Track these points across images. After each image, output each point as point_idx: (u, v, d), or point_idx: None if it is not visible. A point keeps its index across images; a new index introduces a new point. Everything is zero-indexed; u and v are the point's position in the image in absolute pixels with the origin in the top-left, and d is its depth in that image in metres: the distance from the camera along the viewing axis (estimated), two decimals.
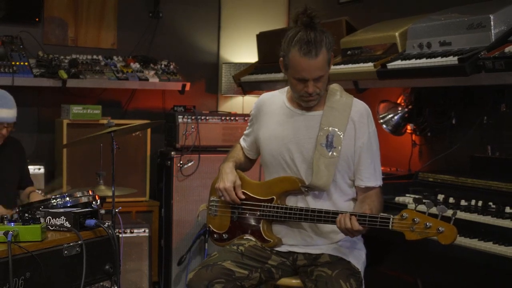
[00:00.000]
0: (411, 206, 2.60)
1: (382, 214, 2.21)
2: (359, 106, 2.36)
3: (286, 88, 2.43)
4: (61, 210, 2.40)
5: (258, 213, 2.38)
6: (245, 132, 2.59)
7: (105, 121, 3.43)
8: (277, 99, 2.44)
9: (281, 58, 2.30)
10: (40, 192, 3.21)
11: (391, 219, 2.10)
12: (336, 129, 2.30)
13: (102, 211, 2.57)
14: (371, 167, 2.33)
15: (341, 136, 2.30)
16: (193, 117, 3.96)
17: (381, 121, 3.35)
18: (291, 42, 2.23)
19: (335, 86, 2.40)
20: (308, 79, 2.24)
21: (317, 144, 2.30)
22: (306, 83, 2.25)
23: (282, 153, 2.36)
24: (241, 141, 2.60)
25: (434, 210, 2.08)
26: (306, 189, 2.32)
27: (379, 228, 2.13)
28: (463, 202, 2.65)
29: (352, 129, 2.32)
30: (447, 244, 2.04)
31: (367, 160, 2.33)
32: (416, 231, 2.06)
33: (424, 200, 2.15)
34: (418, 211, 2.09)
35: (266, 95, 2.51)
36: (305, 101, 2.32)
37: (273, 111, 2.42)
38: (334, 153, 2.29)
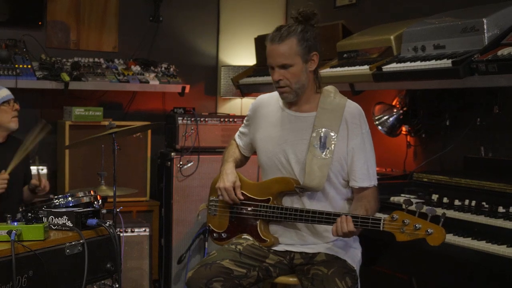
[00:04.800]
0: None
1: (373, 215, 2.23)
2: (352, 107, 2.37)
3: None
4: (63, 209, 2.42)
5: (255, 213, 2.40)
6: (241, 130, 2.61)
7: (106, 123, 3.48)
8: (273, 101, 2.46)
9: None
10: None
11: (382, 220, 2.12)
12: (329, 130, 2.31)
13: (104, 211, 2.60)
14: (365, 167, 2.33)
15: (334, 137, 2.31)
16: (192, 119, 4.00)
17: (377, 122, 3.37)
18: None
19: (329, 88, 2.42)
20: (273, 65, 2.28)
21: (310, 145, 2.31)
22: (273, 70, 2.30)
23: (276, 154, 2.38)
24: (237, 138, 2.62)
25: (424, 211, 2.10)
26: (301, 190, 2.34)
27: (371, 229, 2.16)
28: (456, 202, 2.67)
29: (345, 130, 2.33)
30: (436, 246, 2.06)
31: (360, 161, 2.33)
32: (406, 232, 2.07)
33: (414, 201, 2.18)
34: (410, 210, 2.11)
35: (262, 97, 2.53)
36: (279, 92, 2.35)
37: (269, 113, 2.45)
38: (327, 154, 2.30)
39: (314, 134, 2.33)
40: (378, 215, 2.26)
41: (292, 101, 2.37)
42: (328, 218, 2.23)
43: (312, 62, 2.32)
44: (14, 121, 3.09)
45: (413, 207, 2.12)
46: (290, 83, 2.30)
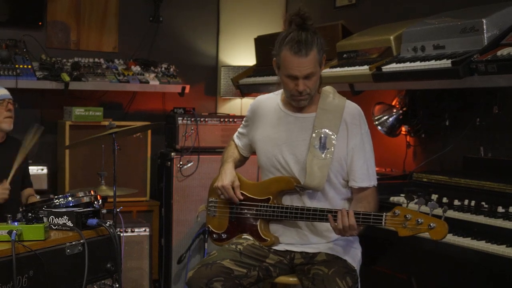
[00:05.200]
0: (405, 205, 2.65)
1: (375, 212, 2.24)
2: (351, 108, 2.39)
3: (281, 91, 2.46)
4: (64, 209, 2.42)
5: (255, 212, 2.41)
6: (239, 130, 2.62)
7: (106, 123, 3.49)
8: (271, 102, 2.47)
9: (274, 59, 2.35)
10: (38, 197, 3.26)
11: (384, 216, 2.13)
12: (329, 131, 2.33)
13: (104, 211, 2.61)
14: (364, 167, 2.35)
15: (334, 137, 2.32)
16: (192, 119, 4.01)
17: (376, 122, 3.38)
18: (283, 42, 2.29)
19: (328, 89, 2.43)
20: (298, 77, 2.28)
21: (310, 146, 2.32)
22: (296, 81, 2.29)
23: (275, 155, 2.39)
24: (236, 139, 2.63)
25: (425, 208, 2.10)
26: (301, 189, 2.34)
27: (373, 226, 2.16)
28: (456, 202, 2.68)
29: (344, 130, 2.35)
30: (438, 240, 2.06)
31: (360, 161, 2.34)
32: (408, 227, 2.07)
33: (415, 197, 2.18)
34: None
35: (261, 98, 2.54)
36: (296, 100, 2.35)
37: (268, 114, 2.46)
38: (328, 155, 2.31)
39: (314, 135, 2.34)
40: None
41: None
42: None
43: (323, 64, 2.35)
44: (6, 121, 3.04)
45: (414, 203, 2.12)
46: (311, 91, 2.32)
